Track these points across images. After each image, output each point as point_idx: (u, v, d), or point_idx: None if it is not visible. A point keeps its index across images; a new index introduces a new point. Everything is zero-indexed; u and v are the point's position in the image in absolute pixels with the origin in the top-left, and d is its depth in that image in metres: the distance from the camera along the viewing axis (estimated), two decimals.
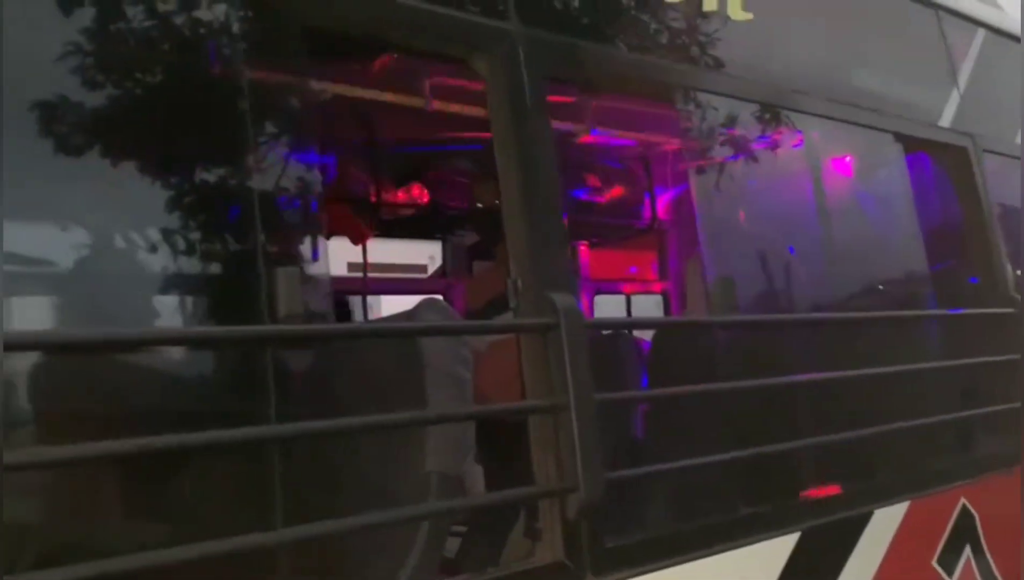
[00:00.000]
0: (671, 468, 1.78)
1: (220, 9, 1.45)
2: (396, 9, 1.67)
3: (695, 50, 2.28)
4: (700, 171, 2.38)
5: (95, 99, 1.33)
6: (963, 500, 2.48)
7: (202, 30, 1.44)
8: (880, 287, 2.81)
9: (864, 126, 2.65)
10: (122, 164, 1.38)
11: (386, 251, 4.83)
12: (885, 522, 2.24)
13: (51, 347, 1.21)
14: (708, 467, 1.91)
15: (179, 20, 1.42)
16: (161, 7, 1.37)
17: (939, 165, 2.93)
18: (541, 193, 1.77)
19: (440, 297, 4.61)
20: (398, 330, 1.71)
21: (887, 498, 2.27)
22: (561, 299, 1.65)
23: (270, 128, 1.55)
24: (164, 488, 1.46)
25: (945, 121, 2.92)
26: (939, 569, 2.38)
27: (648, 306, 4.91)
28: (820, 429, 2.14)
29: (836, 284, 2.59)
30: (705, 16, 2.27)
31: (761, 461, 2.01)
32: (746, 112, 2.45)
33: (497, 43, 1.79)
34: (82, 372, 1.35)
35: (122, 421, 1.31)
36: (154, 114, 1.41)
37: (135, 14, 1.38)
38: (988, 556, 2.52)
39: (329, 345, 1.59)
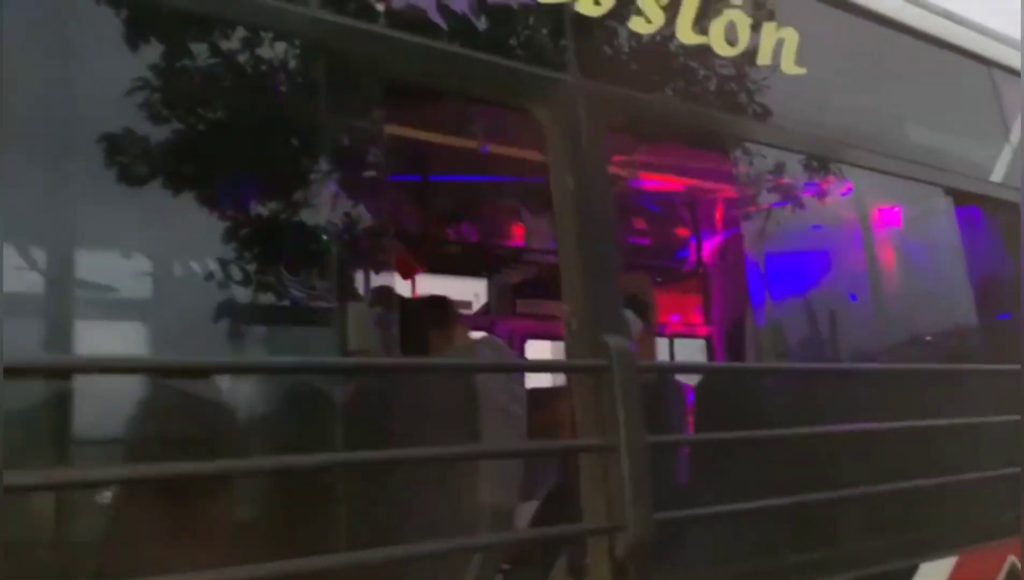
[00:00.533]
0: (718, 512, 1.80)
1: (308, 63, 1.56)
2: (466, 62, 1.76)
3: (747, 101, 2.33)
4: (752, 218, 2.42)
5: (188, 141, 1.43)
6: (1011, 557, 2.45)
7: (296, 81, 1.55)
8: (929, 338, 2.81)
9: (916, 180, 2.68)
10: (210, 204, 1.47)
11: (432, 287, 4.91)
12: (931, 576, 2.23)
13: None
14: (754, 513, 1.93)
15: (277, 74, 1.53)
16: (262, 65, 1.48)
17: (990, 219, 2.93)
18: (596, 238, 1.83)
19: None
20: (458, 366, 1.77)
21: (934, 551, 2.26)
22: (614, 342, 1.70)
23: (348, 170, 1.64)
24: (228, 512, 1.53)
25: (997, 176, 2.93)
26: None
27: (691, 350, 4.92)
28: (867, 479, 2.15)
29: (886, 334, 2.60)
30: (759, 69, 2.33)
31: (806, 509, 2.02)
32: (797, 162, 2.50)
33: (558, 93, 1.87)
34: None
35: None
36: (247, 157, 1.51)
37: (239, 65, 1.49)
38: None
39: (392, 378, 1.65)
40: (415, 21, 1.73)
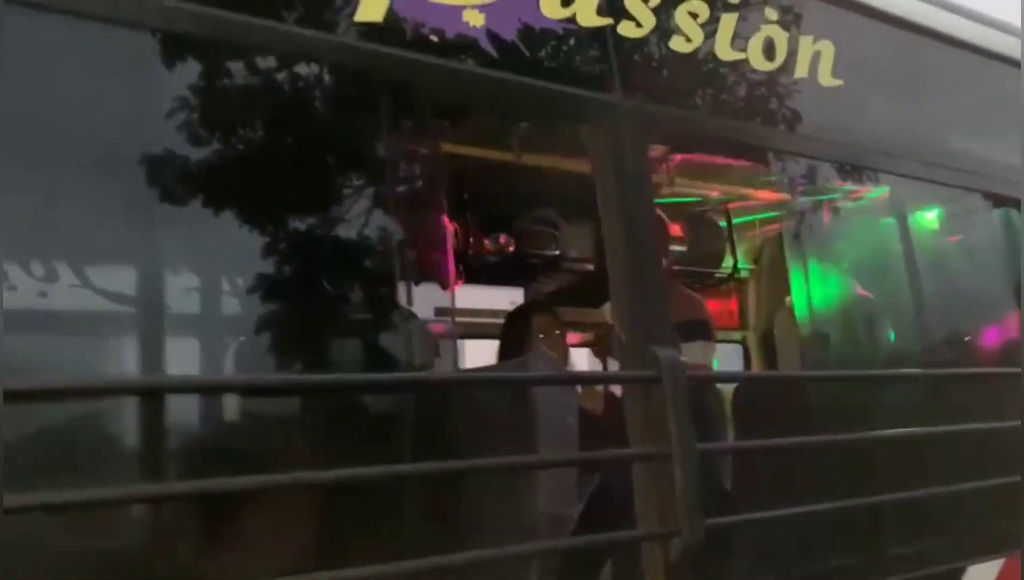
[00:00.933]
0: (767, 517, 1.85)
1: (367, 86, 1.65)
2: (514, 87, 1.83)
3: (787, 114, 2.38)
4: (793, 225, 2.47)
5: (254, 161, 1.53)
6: None
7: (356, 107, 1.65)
8: (967, 341, 2.84)
9: (953, 186, 2.71)
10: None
11: (470, 297, 4.98)
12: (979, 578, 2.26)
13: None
14: (799, 517, 1.98)
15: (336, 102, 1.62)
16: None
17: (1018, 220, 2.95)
18: (643, 252, 1.89)
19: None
20: (514, 378, 1.85)
21: (980, 554, 2.29)
22: (664, 353, 1.76)
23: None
24: (295, 518, 1.61)
25: None
26: None
27: (727, 354, 4.95)
28: (912, 482, 2.19)
29: (926, 339, 2.64)
30: (795, 81, 2.39)
31: (851, 512, 2.06)
32: (836, 171, 2.55)
33: (604, 115, 1.94)
34: None
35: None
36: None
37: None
38: None
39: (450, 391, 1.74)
40: (467, 48, 1.81)
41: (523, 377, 1.85)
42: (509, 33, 1.87)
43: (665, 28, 2.13)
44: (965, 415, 2.42)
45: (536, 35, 1.91)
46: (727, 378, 2.07)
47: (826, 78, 2.45)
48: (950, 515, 2.29)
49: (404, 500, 1.61)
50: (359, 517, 1.60)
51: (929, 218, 2.92)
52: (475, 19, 1.83)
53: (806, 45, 2.42)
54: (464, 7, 1.82)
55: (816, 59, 2.43)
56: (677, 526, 1.69)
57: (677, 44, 2.15)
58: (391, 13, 1.69)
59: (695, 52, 2.18)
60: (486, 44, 1.84)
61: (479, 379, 1.74)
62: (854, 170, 2.63)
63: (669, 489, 1.71)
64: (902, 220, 2.85)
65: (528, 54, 1.89)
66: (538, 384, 1.83)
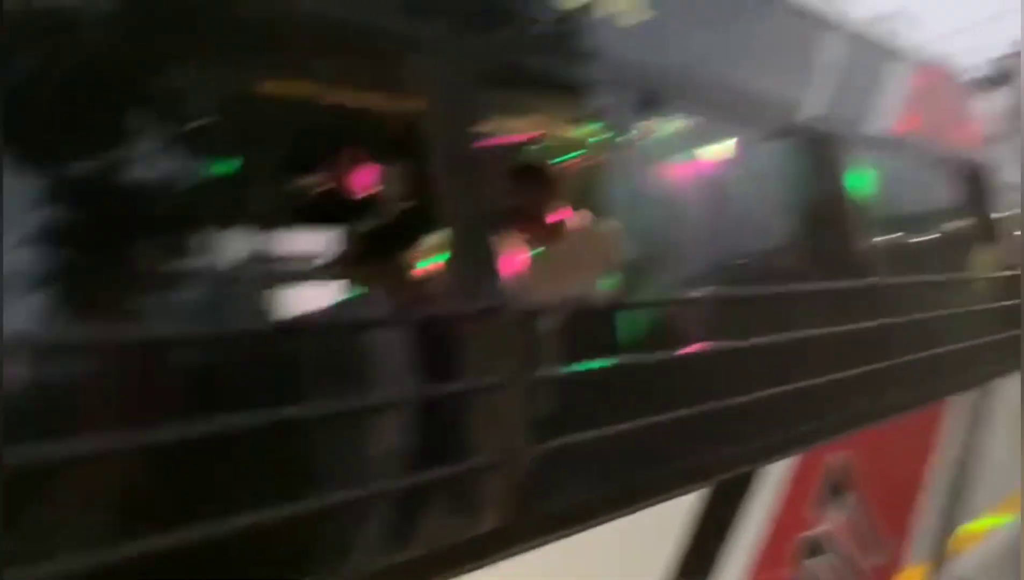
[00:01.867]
0: (602, 436, 1.98)
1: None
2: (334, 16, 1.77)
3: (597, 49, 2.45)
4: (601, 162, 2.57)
5: None
6: (838, 454, 2.82)
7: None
8: (763, 261, 3.12)
9: (745, 117, 2.93)
10: None
11: (282, 239, 4.80)
12: (777, 475, 2.54)
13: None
14: (634, 431, 2.12)
15: None
16: None
17: (809, 154, 3.25)
18: (471, 187, 1.91)
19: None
20: (347, 322, 1.83)
21: (775, 455, 2.57)
22: (500, 285, 1.82)
23: None
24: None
25: (814, 113, 3.24)
26: (819, 516, 2.71)
27: None
28: (721, 393, 2.40)
29: (727, 265, 2.89)
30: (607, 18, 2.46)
31: (678, 423, 2.24)
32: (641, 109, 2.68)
33: (431, 44, 1.91)
34: None
35: None
36: None
37: None
38: (859, 502, 2.87)
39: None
40: None
41: (360, 320, 1.85)
42: None
43: None
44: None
45: None
46: (563, 308, 2.16)
47: (637, 13, 2.53)
48: (744, 422, 2.54)
49: (243, 454, 1.57)
50: (201, 472, 1.55)
51: (724, 148, 3.14)
52: None
53: None
54: None
55: None
56: (516, 453, 1.77)
57: None
58: None
59: None
60: None
61: (309, 326, 1.70)
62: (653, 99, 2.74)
63: (507, 417, 1.79)
64: (701, 148, 3.05)
65: None
66: (374, 326, 1.83)
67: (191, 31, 1.68)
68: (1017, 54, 26.86)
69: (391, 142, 4.09)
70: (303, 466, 1.74)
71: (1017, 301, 4.40)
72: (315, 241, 5.18)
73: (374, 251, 3.56)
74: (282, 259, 3.84)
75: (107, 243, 1.63)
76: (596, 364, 2.12)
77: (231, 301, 1.92)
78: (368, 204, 4.37)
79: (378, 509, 1.81)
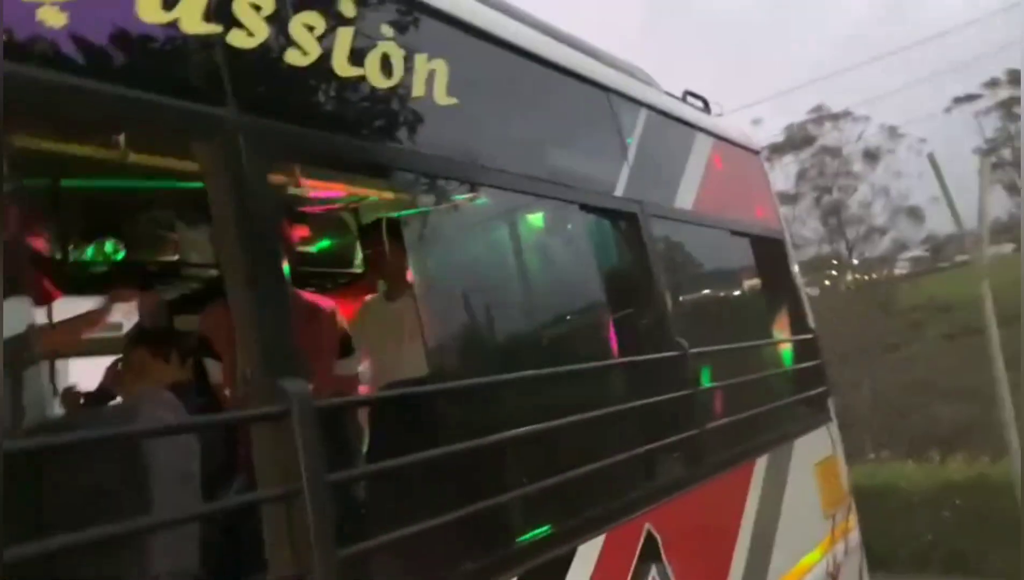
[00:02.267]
0: (400, 536, 1.87)
1: None
2: (112, 97, 1.63)
3: (406, 131, 2.42)
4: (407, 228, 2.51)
5: None
6: (648, 525, 2.84)
7: None
8: (571, 334, 3.14)
9: (553, 198, 2.97)
10: None
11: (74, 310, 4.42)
12: (587, 556, 2.52)
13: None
14: (435, 528, 2.03)
15: None
16: None
17: (615, 229, 3.34)
18: (267, 282, 1.79)
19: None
20: (126, 434, 1.64)
21: (587, 533, 2.55)
22: (292, 385, 1.69)
23: None
24: None
25: (619, 191, 3.34)
26: None
27: None
28: (531, 476, 2.36)
29: (537, 334, 2.88)
30: (415, 100, 2.43)
31: (479, 514, 2.17)
32: (451, 185, 2.64)
33: (215, 130, 1.80)
34: None
35: None
36: None
37: None
38: (669, 570, 2.90)
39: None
40: (49, 52, 1.56)
41: (141, 430, 1.66)
42: (100, 37, 1.66)
43: (281, 40, 2.05)
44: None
45: (134, 40, 1.71)
46: (358, 403, 2.05)
47: (441, 96, 2.53)
48: (563, 501, 2.51)
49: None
50: None
51: (535, 219, 3.17)
52: (54, 18, 1.59)
53: (421, 64, 2.47)
54: (40, 4, 1.57)
55: (432, 78, 2.50)
56: (310, 566, 1.64)
57: (293, 57, 2.07)
58: None
59: (312, 66, 2.12)
60: (69, 48, 1.61)
61: (75, 440, 1.49)
62: (468, 184, 2.74)
63: (300, 527, 1.65)
64: (511, 223, 3.06)
65: (125, 60, 1.69)
66: (152, 435, 1.65)
67: None
68: (807, 123, 29.63)
69: (193, 205, 3.89)
70: None
71: (817, 361, 4.72)
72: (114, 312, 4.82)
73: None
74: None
75: None
76: (390, 462, 2.02)
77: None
78: (168, 270, 4.13)
79: None
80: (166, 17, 1.78)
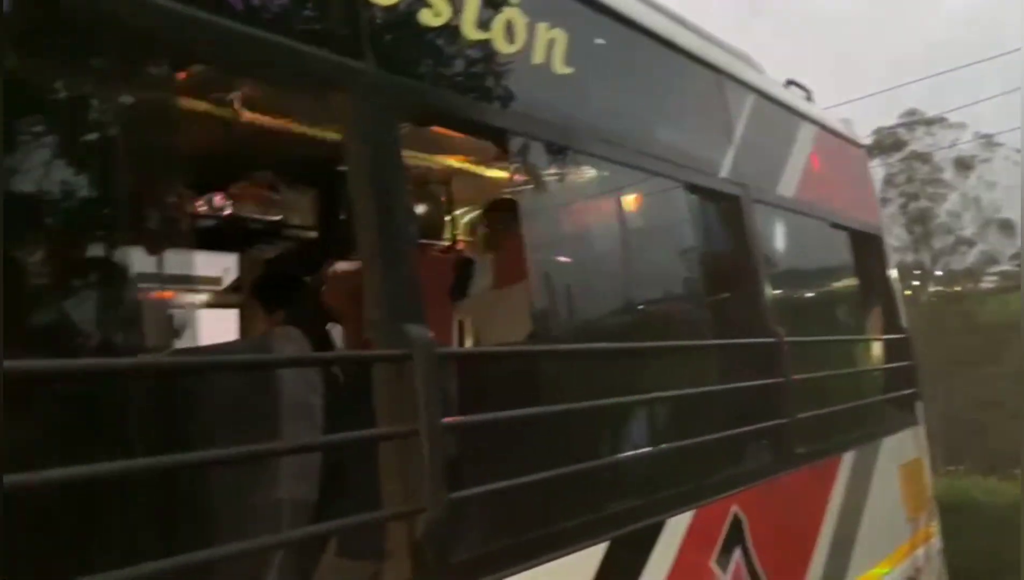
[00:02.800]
0: (506, 487, 1.92)
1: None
2: (266, 45, 1.70)
3: (524, 96, 2.45)
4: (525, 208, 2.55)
5: None
6: (735, 507, 2.84)
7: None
8: (671, 314, 3.15)
9: (659, 175, 2.97)
10: None
11: (179, 262, 4.59)
12: (675, 529, 2.53)
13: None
14: (533, 485, 2.08)
15: None
16: None
17: (717, 211, 3.33)
18: (395, 230, 1.86)
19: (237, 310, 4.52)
20: (260, 362, 1.73)
21: (677, 507, 2.56)
22: (415, 331, 1.75)
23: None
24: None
25: (723, 173, 3.32)
26: (716, 569, 2.72)
27: None
28: (626, 446, 2.39)
29: (639, 312, 2.89)
30: (534, 67, 2.47)
31: (577, 477, 2.21)
32: (560, 160, 2.67)
33: (354, 82, 1.87)
34: None
35: None
36: None
37: None
38: (753, 554, 2.90)
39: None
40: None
41: (266, 360, 1.74)
42: None
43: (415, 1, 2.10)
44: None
45: None
46: (477, 355, 2.10)
47: (559, 65, 2.56)
48: (654, 474, 2.54)
49: (131, 493, 1.45)
50: (76, 517, 1.42)
51: (638, 197, 3.17)
52: None
53: (542, 32, 2.50)
54: None
55: (551, 46, 2.53)
56: (422, 503, 1.70)
57: (427, 16, 2.12)
58: None
59: (444, 27, 2.17)
60: None
61: (216, 364, 1.59)
62: (575, 153, 2.76)
63: (415, 466, 1.72)
64: (614, 201, 3.08)
65: (279, 10, 1.77)
66: (284, 366, 1.73)
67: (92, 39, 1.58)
68: (898, 126, 28.73)
69: (302, 170, 4.00)
70: (203, 510, 1.63)
71: (908, 362, 4.61)
72: (215, 266, 5.01)
73: (275, 279, 3.45)
74: (181, 283, 3.67)
75: None
76: (504, 414, 2.07)
77: (125, 327, 1.79)
78: (271, 231, 4.26)
79: (285, 557, 1.71)
80: None
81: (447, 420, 1.77)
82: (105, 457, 1.29)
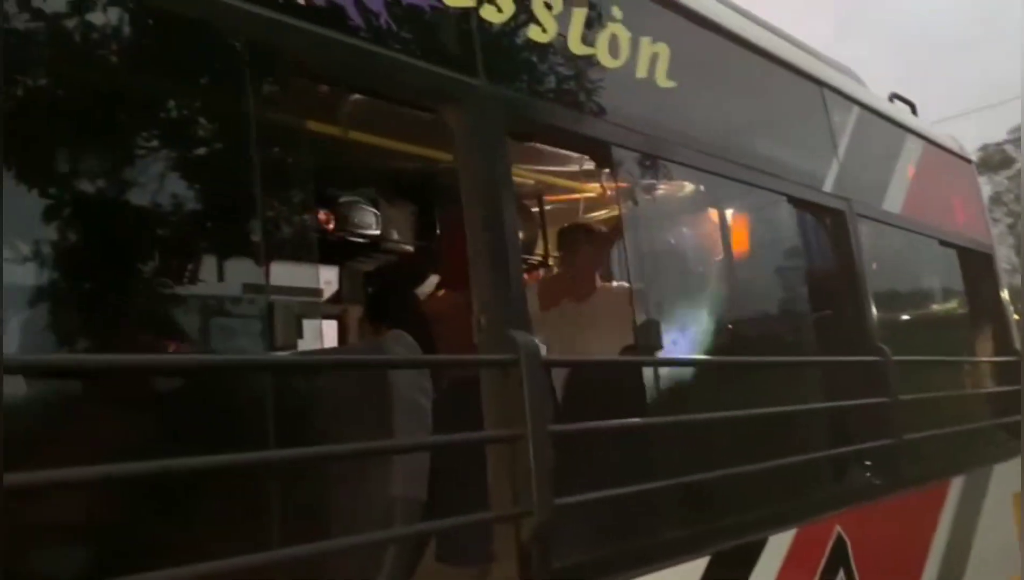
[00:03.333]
0: (612, 495, 1.94)
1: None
2: (382, 61, 1.78)
3: (627, 110, 2.48)
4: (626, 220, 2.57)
5: None
6: (838, 528, 2.77)
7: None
8: (772, 331, 3.11)
9: (761, 188, 2.95)
10: None
11: (281, 274, 4.78)
12: (778, 547, 2.49)
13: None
14: (635, 495, 2.09)
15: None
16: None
17: (821, 225, 3.27)
18: (503, 238, 1.91)
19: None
20: (372, 362, 1.80)
21: (780, 525, 2.52)
22: (521, 337, 1.79)
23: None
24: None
25: (827, 187, 3.27)
26: None
27: None
28: (728, 462, 2.36)
29: (739, 327, 2.87)
30: (638, 81, 2.49)
31: (680, 489, 2.20)
32: (664, 167, 2.68)
33: (468, 97, 1.93)
34: None
35: None
36: None
37: None
38: (856, 577, 2.82)
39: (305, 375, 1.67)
40: (335, 17, 1.74)
41: (382, 360, 1.82)
42: (376, 4, 1.82)
43: (523, 16, 2.16)
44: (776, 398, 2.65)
45: (403, 10, 1.87)
46: (581, 363, 2.14)
47: (662, 79, 2.58)
48: (758, 490, 2.50)
49: (253, 486, 1.53)
50: (202, 507, 1.50)
51: (739, 211, 3.16)
52: None
53: (646, 46, 2.53)
54: None
55: (654, 61, 2.56)
56: (530, 506, 1.73)
57: (534, 33, 2.18)
58: None
59: (550, 43, 2.22)
60: (353, 13, 1.77)
61: (338, 362, 1.67)
62: (677, 166, 2.77)
63: (521, 470, 1.75)
64: (714, 215, 3.07)
65: (394, 29, 1.85)
66: (397, 367, 1.80)
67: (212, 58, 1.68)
68: (1006, 143, 27.50)
69: (408, 186, 4.12)
70: (313, 505, 1.70)
71: (1017, 387, 4.41)
72: (319, 278, 5.17)
73: (385, 292, 3.56)
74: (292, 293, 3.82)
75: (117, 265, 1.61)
76: (609, 422, 2.09)
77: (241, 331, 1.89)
78: (373, 245, 4.39)
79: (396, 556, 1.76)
80: None
81: (553, 428, 1.80)
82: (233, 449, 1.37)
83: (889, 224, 3.59)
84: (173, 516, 1.49)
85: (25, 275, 1.38)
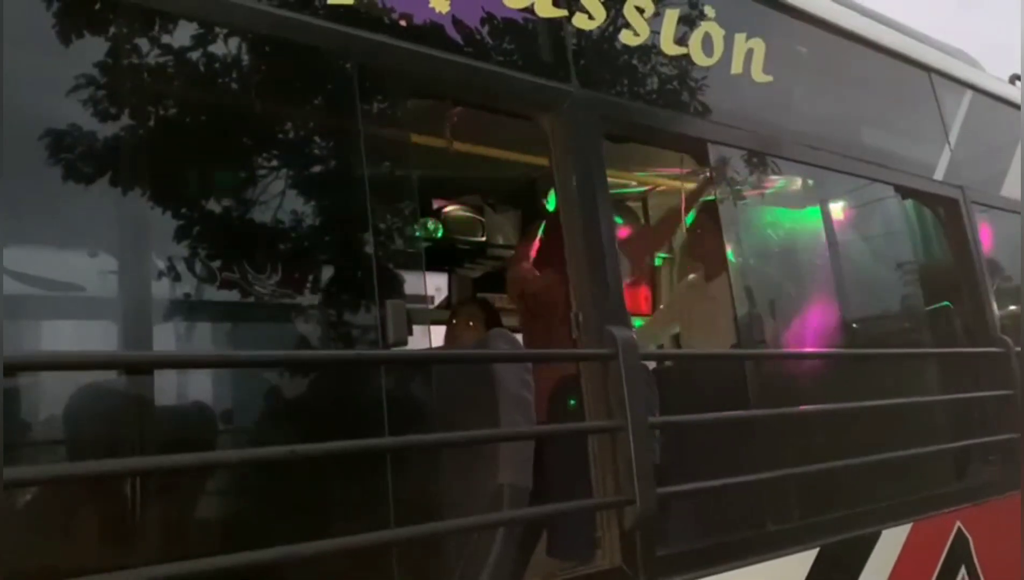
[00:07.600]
0: (716, 486, 1.97)
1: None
2: (481, 74, 1.89)
3: (725, 107, 2.50)
4: (724, 214, 2.57)
5: None
6: (959, 523, 2.69)
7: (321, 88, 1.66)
8: (883, 323, 3.04)
9: (869, 178, 2.90)
10: None
11: (391, 280, 4.95)
12: (892, 541, 2.45)
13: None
14: (740, 486, 2.11)
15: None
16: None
17: (934, 214, 3.18)
18: (600, 237, 1.98)
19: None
20: (479, 356, 1.91)
21: (893, 519, 2.48)
22: (620, 332, 1.86)
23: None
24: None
25: (939, 174, 3.17)
26: None
27: None
28: (837, 453, 2.35)
29: (847, 320, 2.82)
30: (733, 78, 2.51)
31: (786, 482, 2.21)
32: (768, 166, 2.68)
33: (563, 103, 2.01)
34: None
35: None
36: None
37: None
38: (980, 573, 2.73)
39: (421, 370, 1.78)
40: (435, 36, 1.85)
41: (488, 354, 1.92)
42: (473, 20, 1.92)
43: (615, 22, 2.22)
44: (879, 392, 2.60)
45: (498, 23, 1.97)
46: (678, 357, 2.18)
47: (758, 74, 2.58)
48: (869, 484, 2.47)
49: (375, 472, 1.64)
50: (328, 490, 1.63)
51: (848, 201, 3.10)
52: (441, 5, 1.87)
53: (740, 43, 2.54)
54: None
55: (749, 56, 2.56)
56: (632, 495, 1.79)
57: (627, 37, 2.24)
58: None
59: (642, 45, 2.27)
60: (451, 31, 1.88)
61: (450, 357, 1.78)
62: (775, 162, 2.75)
63: (623, 460, 1.81)
64: (824, 205, 3.02)
65: (491, 42, 1.95)
66: (501, 361, 1.89)
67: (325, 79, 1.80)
68: None
69: (499, 190, 4.23)
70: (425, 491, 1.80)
71: None
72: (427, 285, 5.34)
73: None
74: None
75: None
76: (710, 415, 2.12)
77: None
78: (476, 251, 4.51)
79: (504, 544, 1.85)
80: (524, 2, 2.02)
81: (653, 420, 1.86)
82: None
83: (1008, 211, 3.45)
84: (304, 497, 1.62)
85: (171, 287, 1.52)
